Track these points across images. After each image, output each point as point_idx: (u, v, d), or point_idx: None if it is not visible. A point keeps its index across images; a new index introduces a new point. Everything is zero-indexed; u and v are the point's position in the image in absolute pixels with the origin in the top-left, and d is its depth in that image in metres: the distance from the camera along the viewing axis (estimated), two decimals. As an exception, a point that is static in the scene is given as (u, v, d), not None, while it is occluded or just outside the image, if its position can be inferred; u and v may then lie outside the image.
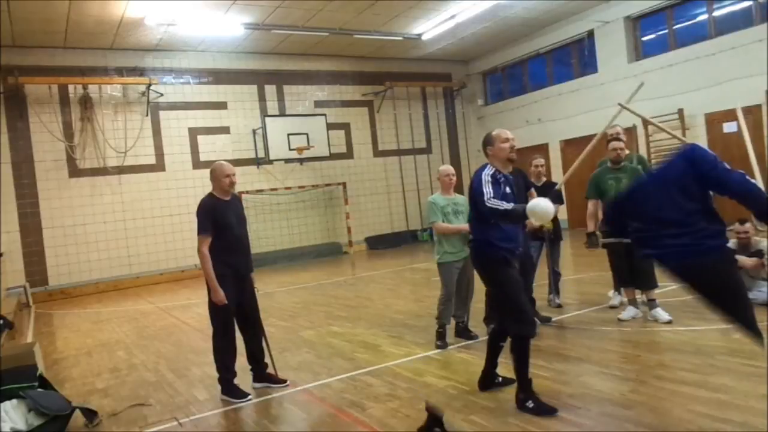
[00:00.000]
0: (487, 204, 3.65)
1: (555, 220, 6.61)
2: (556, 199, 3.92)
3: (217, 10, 11.31)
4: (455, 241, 5.40)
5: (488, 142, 4.01)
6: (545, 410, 3.59)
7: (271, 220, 14.77)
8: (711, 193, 3.06)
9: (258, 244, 13.72)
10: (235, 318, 4.66)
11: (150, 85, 13.07)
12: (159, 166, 13.52)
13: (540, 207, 3.45)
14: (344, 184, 15.55)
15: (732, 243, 5.94)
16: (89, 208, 12.76)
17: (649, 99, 11.26)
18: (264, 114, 14.49)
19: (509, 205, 3.63)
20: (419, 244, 15.91)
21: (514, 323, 3.77)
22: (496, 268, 3.85)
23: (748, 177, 2.95)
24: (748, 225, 5.81)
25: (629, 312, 5.71)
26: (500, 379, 4.16)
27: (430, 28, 13.77)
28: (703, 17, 12.22)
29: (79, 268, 12.58)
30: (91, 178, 12.81)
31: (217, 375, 4.64)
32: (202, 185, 12.82)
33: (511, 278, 3.83)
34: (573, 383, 4.11)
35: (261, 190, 14.54)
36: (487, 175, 3.80)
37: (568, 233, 12.79)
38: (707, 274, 2.95)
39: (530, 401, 3.67)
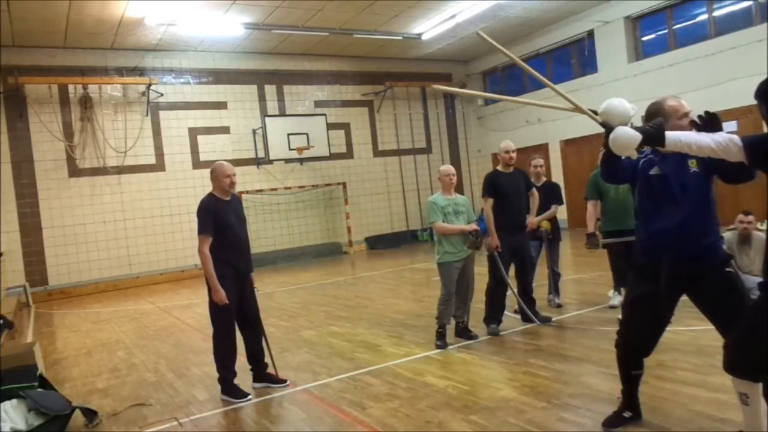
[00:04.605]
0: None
1: (553, 220, 6.62)
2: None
3: (217, 10, 11.31)
4: (455, 241, 5.40)
5: (659, 113, 3.08)
6: (610, 422, 3.31)
7: (271, 220, 14.78)
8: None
9: (258, 244, 13.72)
10: (236, 318, 4.66)
11: (150, 85, 13.07)
12: (159, 166, 13.52)
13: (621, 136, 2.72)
14: (344, 184, 15.56)
15: (732, 234, 5.95)
16: (89, 208, 12.75)
17: (649, 100, 11.16)
18: (264, 114, 14.50)
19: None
20: (419, 244, 15.91)
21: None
22: (630, 277, 3.30)
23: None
24: (751, 216, 5.82)
25: (629, 312, 5.70)
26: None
27: (430, 28, 13.78)
28: (703, 17, 12.23)
29: (78, 268, 12.58)
30: (90, 178, 12.81)
31: (217, 375, 4.64)
32: (202, 185, 12.82)
33: (634, 301, 3.15)
34: (573, 383, 4.11)
35: (261, 190, 14.54)
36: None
37: (567, 233, 12.79)
38: None
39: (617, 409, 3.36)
